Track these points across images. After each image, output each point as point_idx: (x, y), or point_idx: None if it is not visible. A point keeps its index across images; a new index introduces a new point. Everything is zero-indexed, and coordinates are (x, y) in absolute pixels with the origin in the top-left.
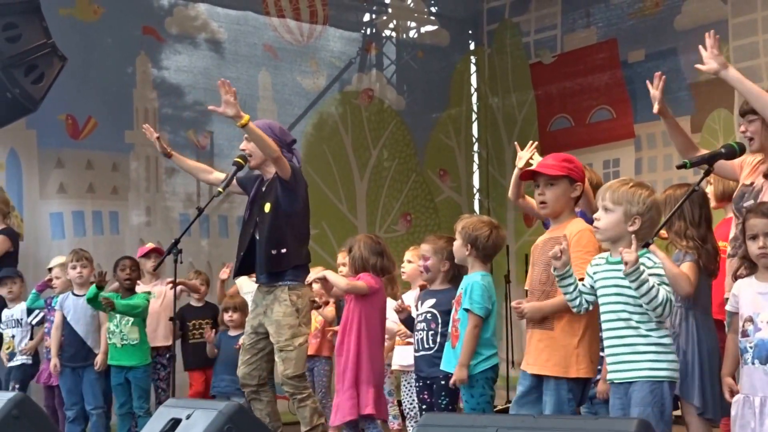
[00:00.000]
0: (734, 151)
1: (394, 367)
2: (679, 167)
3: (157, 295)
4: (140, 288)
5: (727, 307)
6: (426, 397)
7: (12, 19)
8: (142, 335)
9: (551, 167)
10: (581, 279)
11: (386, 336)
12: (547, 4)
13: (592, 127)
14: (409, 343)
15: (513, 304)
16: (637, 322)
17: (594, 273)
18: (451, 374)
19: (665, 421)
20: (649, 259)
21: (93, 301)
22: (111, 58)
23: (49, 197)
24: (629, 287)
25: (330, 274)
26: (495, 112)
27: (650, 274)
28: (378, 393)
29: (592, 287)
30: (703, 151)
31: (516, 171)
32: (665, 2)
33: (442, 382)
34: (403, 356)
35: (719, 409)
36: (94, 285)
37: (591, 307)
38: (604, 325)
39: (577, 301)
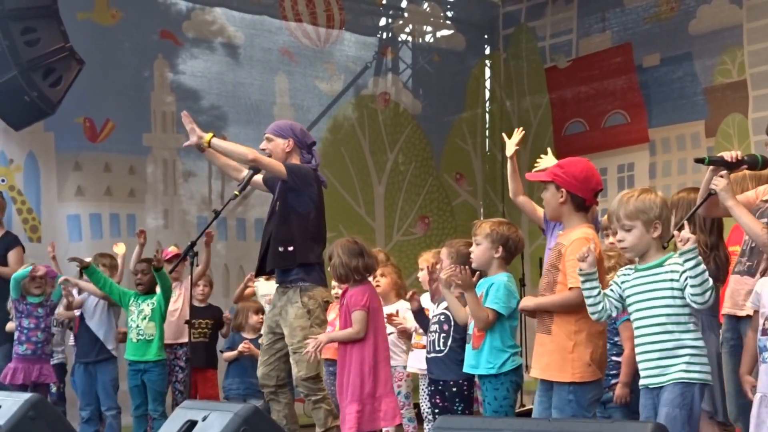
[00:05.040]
0: (756, 163)
1: (410, 369)
2: (697, 161)
3: (176, 296)
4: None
5: (748, 304)
6: (438, 401)
7: (30, 23)
8: (159, 332)
9: (539, 174)
10: (572, 288)
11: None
12: (562, 9)
13: (607, 131)
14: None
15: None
16: (673, 324)
17: (622, 283)
18: (466, 378)
19: (693, 423)
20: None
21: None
22: (129, 62)
23: (66, 200)
24: (666, 290)
25: (334, 335)
26: (510, 116)
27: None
28: (396, 399)
29: (620, 296)
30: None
31: (509, 164)
32: (680, 7)
33: (454, 389)
34: (419, 359)
35: (726, 411)
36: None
37: (614, 314)
38: (636, 332)
39: (600, 306)
